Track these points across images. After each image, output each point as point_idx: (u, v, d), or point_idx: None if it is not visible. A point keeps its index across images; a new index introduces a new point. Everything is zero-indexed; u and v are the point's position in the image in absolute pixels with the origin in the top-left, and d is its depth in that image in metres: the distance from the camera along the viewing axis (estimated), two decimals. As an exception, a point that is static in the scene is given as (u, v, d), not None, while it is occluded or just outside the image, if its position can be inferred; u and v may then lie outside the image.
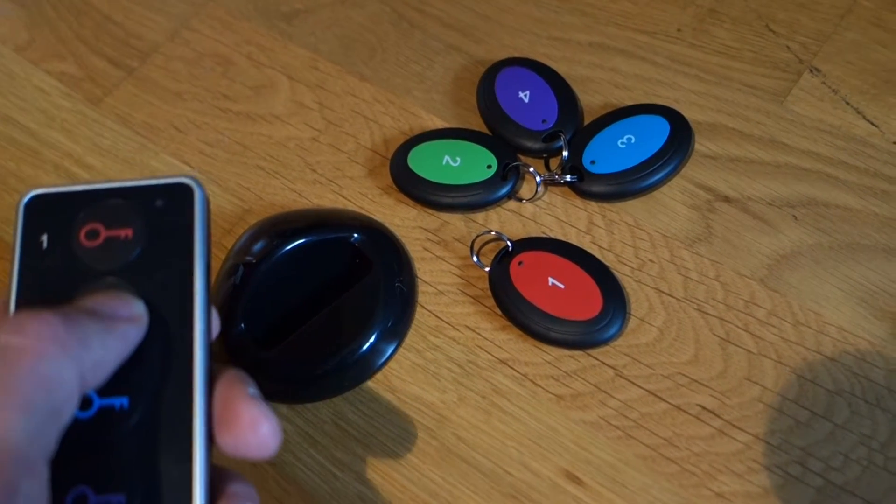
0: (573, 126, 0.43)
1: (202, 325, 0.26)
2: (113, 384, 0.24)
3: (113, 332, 0.24)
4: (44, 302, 0.25)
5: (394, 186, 0.43)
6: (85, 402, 0.25)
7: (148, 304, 0.25)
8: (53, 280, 0.26)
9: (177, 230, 0.26)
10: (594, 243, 0.40)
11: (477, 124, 0.45)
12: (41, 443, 0.21)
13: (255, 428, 0.25)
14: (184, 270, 0.26)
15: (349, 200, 0.44)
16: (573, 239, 0.41)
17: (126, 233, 0.26)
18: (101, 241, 0.26)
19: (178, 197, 0.27)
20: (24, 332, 0.22)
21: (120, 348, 0.24)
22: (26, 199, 0.27)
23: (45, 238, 0.26)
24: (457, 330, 0.39)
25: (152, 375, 0.25)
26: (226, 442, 0.25)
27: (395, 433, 0.37)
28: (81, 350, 0.22)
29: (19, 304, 0.25)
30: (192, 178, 0.27)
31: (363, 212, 0.43)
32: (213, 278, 0.39)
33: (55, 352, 0.22)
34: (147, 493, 0.24)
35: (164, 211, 0.27)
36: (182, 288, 0.26)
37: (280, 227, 0.41)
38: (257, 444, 0.25)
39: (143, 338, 0.25)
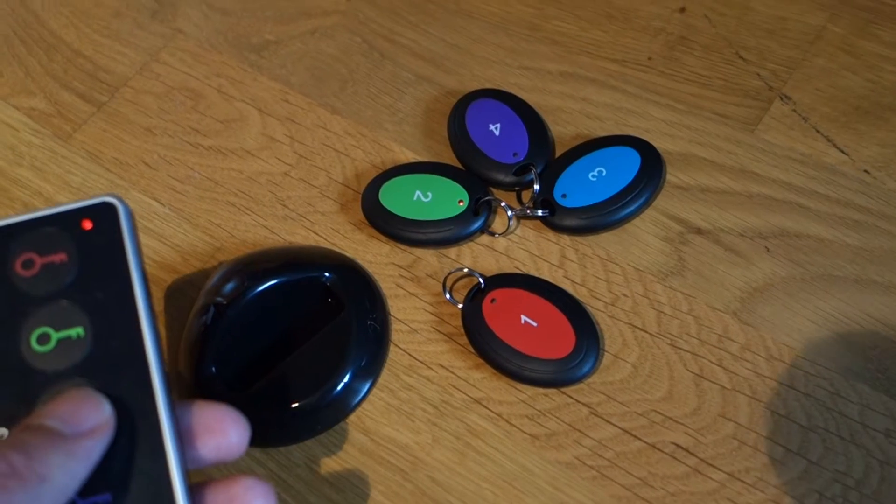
0: (544, 159, 0.42)
1: (151, 333, 0.27)
2: None
3: (76, 455, 0.24)
4: None
5: (366, 222, 0.43)
6: None
7: (93, 320, 0.27)
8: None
9: (108, 247, 0.28)
10: (567, 278, 0.40)
11: (448, 157, 0.45)
12: None
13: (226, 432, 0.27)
14: (123, 284, 0.27)
15: (321, 236, 0.43)
16: (546, 273, 0.40)
17: (60, 257, 0.28)
18: (37, 269, 0.27)
19: (103, 216, 0.28)
20: None
21: (84, 468, 0.24)
22: None
23: None
24: (430, 369, 0.39)
25: (109, 390, 0.26)
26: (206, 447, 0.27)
27: (369, 476, 0.37)
28: (40, 484, 0.23)
29: None
30: (114, 195, 0.29)
31: (335, 248, 0.43)
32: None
33: (14, 486, 0.22)
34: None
35: (93, 231, 0.28)
36: (125, 301, 0.27)
37: (251, 267, 0.40)
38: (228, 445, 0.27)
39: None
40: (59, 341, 0.27)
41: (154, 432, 0.26)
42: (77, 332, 0.27)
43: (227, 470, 0.37)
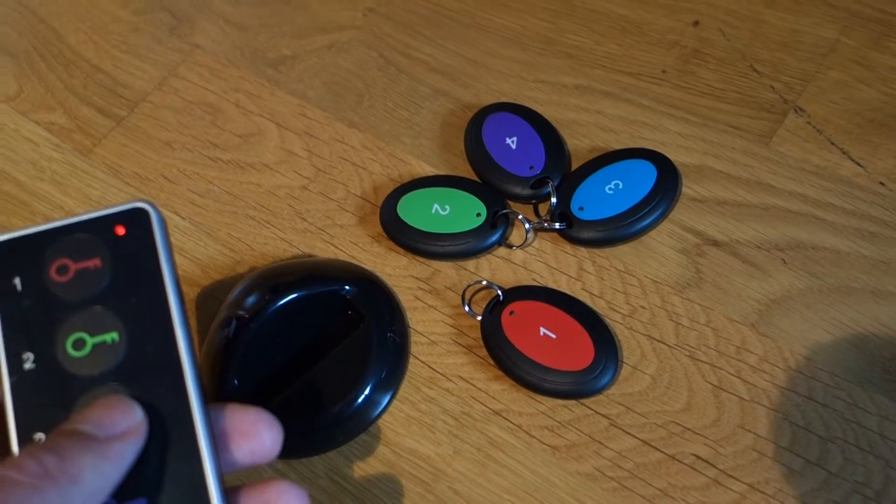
0: (560, 172, 0.43)
1: (184, 337, 0.27)
2: None
3: (108, 457, 0.24)
4: (31, 342, 0.27)
5: (384, 235, 0.43)
6: None
7: (127, 325, 0.27)
8: (35, 318, 0.27)
9: (141, 252, 0.28)
10: (585, 290, 0.40)
11: (465, 170, 0.45)
12: None
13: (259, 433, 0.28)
14: (156, 289, 0.28)
15: (340, 249, 0.44)
16: (564, 285, 0.41)
17: (94, 263, 0.28)
18: (72, 275, 0.28)
19: (136, 221, 0.29)
20: (21, 469, 0.23)
21: (116, 471, 0.25)
22: None
23: (17, 281, 0.27)
24: (450, 381, 0.39)
25: (144, 394, 0.27)
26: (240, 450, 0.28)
27: (391, 488, 0.37)
28: (72, 486, 0.23)
29: (7, 346, 0.27)
30: (147, 201, 0.29)
31: (354, 261, 0.43)
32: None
33: (47, 486, 0.22)
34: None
35: (126, 237, 0.28)
36: (158, 306, 0.28)
37: (272, 280, 0.41)
38: (262, 448, 0.28)
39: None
40: (95, 346, 0.27)
41: (189, 436, 0.26)
42: (112, 336, 0.27)
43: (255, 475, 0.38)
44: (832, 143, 0.43)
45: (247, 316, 0.39)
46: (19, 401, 0.26)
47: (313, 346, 0.40)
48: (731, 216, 0.41)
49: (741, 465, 0.35)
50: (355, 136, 0.48)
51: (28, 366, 0.27)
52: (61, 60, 0.55)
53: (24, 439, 0.26)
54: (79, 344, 0.27)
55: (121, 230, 0.28)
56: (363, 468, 0.37)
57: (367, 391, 0.38)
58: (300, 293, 0.40)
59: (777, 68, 0.46)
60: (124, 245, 0.28)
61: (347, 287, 0.40)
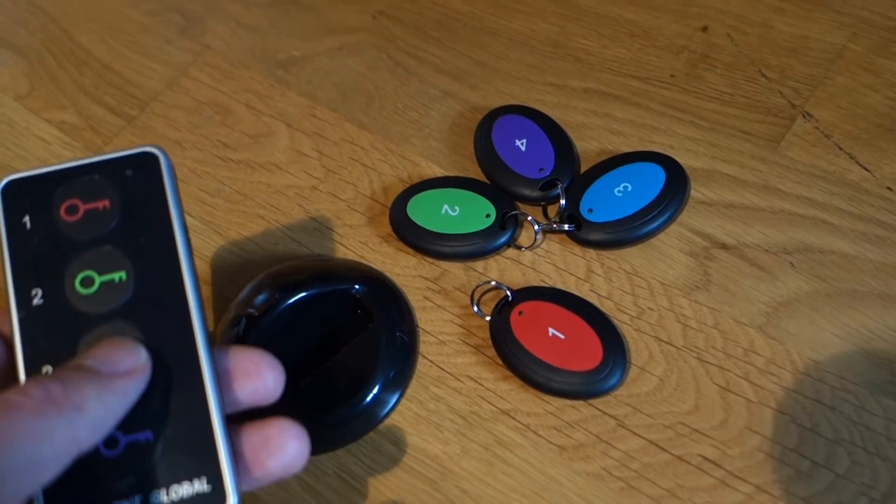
0: (570, 174, 0.43)
1: (191, 278, 0.28)
2: None
3: (112, 391, 0.25)
4: (39, 278, 0.27)
5: (393, 235, 0.43)
6: None
7: (135, 265, 0.28)
8: (43, 255, 0.28)
9: (150, 195, 0.29)
10: (593, 291, 0.41)
11: (475, 171, 0.45)
12: (9, 487, 0.22)
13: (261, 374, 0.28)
14: (164, 230, 0.28)
15: (349, 249, 0.44)
16: (572, 287, 0.41)
17: (104, 204, 0.28)
18: (81, 215, 0.28)
19: (145, 165, 0.29)
20: (26, 394, 0.23)
21: (120, 405, 0.25)
22: (2, 185, 0.28)
23: (27, 219, 0.28)
24: (459, 380, 0.39)
25: (151, 332, 0.27)
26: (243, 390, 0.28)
27: (399, 486, 0.37)
28: (76, 414, 0.23)
29: (16, 282, 0.27)
30: (156, 146, 0.29)
31: (363, 261, 0.43)
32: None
33: (51, 411, 0.23)
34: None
35: (134, 179, 0.29)
36: (166, 247, 0.28)
37: (282, 279, 0.41)
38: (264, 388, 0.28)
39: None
40: (102, 284, 0.27)
41: (194, 373, 0.27)
42: (120, 275, 0.28)
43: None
44: (840, 148, 0.43)
45: (256, 314, 0.40)
46: (27, 335, 0.27)
47: (322, 344, 0.40)
48: (739, 219, 0.42)
49: (748, 466, 0.35)
50: (365, 137, 0.48)
51: (36, 301, 0.27)
52: (72, 60, 0.55)
53: (31, 372, 0.26)
54: (87, 282, 0.27)
55: (130, 173, 0.29)
56: (371, 466, 0.38)
57: (375, 390, 0.38)
58: (309, 292, 0.40)
59: (785, 73, 0.46)
60: (133, 187, 0.29)
61: (357, 286, 0.40)
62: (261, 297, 0.40)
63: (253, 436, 0.28)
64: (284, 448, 0.28)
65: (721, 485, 0.35)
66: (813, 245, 0.40)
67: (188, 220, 0.46)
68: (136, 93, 0.53)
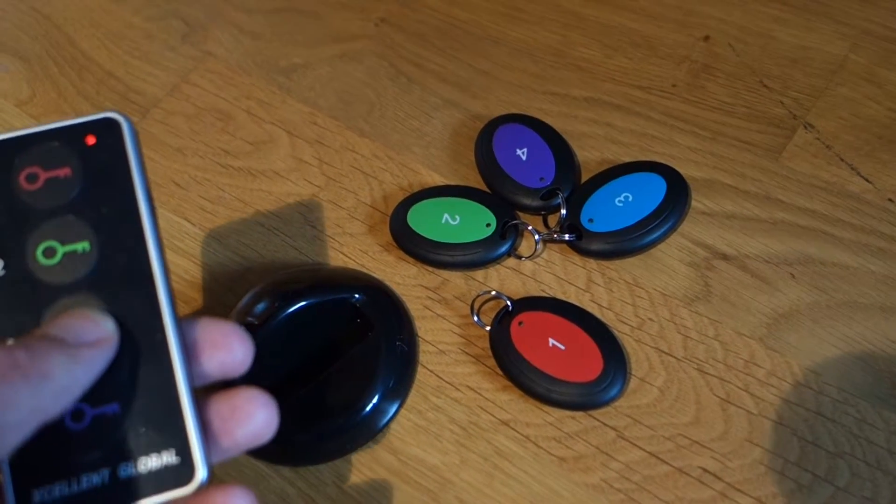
0: (570, 184, 0.43)
1: (156, 248, 0.27)
2: None
3: (78, 360, 0.24)
4: (0, 248, 0.26)
5: (394, 243, 0.43)
6: None
7: (98, 235, 0.27)
8: (3, 225, 0.27)
9: (112, 162, 0.28)
10: (593, 301, 0.41)
11: (475, 180, 0.45)
12: None
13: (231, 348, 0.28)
14: (128, 199, 0.28)
15: (349, 258, 0.44)
16: (573, 297, 0.41)
17: (65, 172, 0.28)
18: (41, 183, 0.27)
19: (107, 131, 0.28)
20: None
21: (86, 375, 0.25)
22: None
23: None
24: (458, 390, 0.39)
25: (116, 303, 0.27)
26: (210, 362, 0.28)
27: (398, 496, 0.37)
28: (42, 381, 0.23)
29: None
30: (118, 111, 0.28)
31: (363, 269, 0.43)
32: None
33: (17, 378, 0.23)
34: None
35: (97, 146, 0.28)
36: (130, 216, 0.27)
37: (282, 288, 0.41)
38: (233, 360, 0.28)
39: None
40: (65, 255, 0.27)
41: (160, 345, 0.26)
42: (83, 246, 0.27)
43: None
44: (841, 159, 0.43)
45: (256, 323, 0.39)
46: None
47: (322, 353, 0.40)
48: (740, 230, 0.41)
49: (749, 478, 0.35)
50: (366, 145, 0.48)
51: None
52: (74, 65, 0.55)
53: None
54: (49, 252, 0.27)
55: (91, 139, 0.28)
56: (370, 476, 0.38)
57: (374, 399, 0.38)
58: (309, 301, 0.40)
59: (786, 84, 0.46)
60: (95, 155, 0.28)
61: (356, 295, 0.40)
62: (260, 306, 0.40)
63: (221, 405, 0.27)
64: (252, 417, 0.27)
65: (721, 497, 0.35)
66: (814, 256, 0.40)
67: (188, 227, 0.46)
68: (137, 99, 0.53)
